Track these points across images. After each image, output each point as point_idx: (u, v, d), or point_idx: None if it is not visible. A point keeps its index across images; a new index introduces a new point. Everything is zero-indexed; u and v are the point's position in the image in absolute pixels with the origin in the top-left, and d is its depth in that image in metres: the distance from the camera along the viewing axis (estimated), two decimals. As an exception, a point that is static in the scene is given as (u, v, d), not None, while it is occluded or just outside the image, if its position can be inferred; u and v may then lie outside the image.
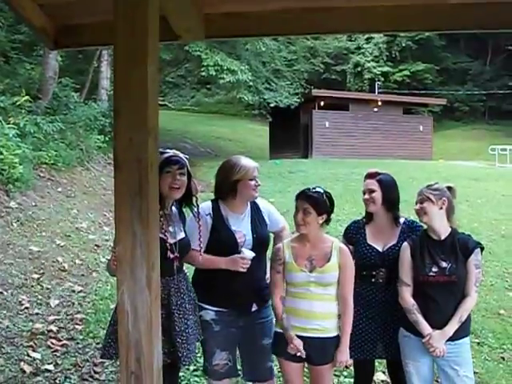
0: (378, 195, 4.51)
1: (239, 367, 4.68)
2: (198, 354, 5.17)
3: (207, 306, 4.42)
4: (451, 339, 4.13)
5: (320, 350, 4.16)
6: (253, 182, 4.38)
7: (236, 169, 4.38)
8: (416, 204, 4.28)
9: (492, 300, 8.61)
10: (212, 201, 4.53)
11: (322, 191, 4.10)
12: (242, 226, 4.42)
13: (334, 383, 4.81)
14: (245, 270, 4.23)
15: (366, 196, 4.53)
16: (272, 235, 4.72)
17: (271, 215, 4.65)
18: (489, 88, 52.69)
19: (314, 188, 4.12)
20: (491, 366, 6.38)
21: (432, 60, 55.11)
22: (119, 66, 3.28)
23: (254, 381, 4.59)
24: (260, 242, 4.43)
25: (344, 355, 4.17)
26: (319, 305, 4.14)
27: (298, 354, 4.13)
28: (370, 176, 4.58)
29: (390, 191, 4.55)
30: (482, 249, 4.27)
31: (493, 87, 52.53)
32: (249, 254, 4.26)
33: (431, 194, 4.21)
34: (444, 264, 4.14)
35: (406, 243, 4.35)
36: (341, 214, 13.62)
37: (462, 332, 4.19)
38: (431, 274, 4.15)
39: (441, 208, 4.20)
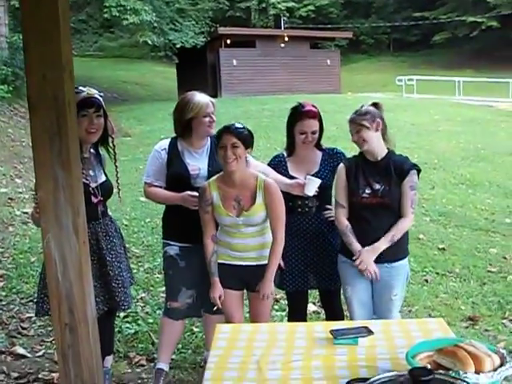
0: (317, 134, 4.46)
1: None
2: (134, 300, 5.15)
3: (171, 242, 4.45)
4: (387, 261, 4.13)
5: (257, 277, 4.14)
6: (207, 119, 4.33)
7: (189, 106, 4.32)
8: (352, 135, 4.15)
9: (411, 226, 8.77)
10: (172, 138, 4.51)
11: (242, 125, 4.01)
12: (198, 161, 4.39)
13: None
14: (196, 208, 4.18)
15: (310, 138, 4.42)
16: None
17: None
18: (393, 20, 53.38)
19: (234, 124, 4.00)
20: (416, 289, 6.56)
21: (336, -6, 55.35)
22: (26, -4, 3.01)
23: (211, 312, 4.48)
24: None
25: (267, 288, 4.13)
26: (253, 240, 4.13)
27: (215, 308, 4.22)
28: (311, 115, 4.42)
29: (322, 125, 4.52)
30: (419, 171, 4.19)
31: (397, 19, 53.23)
32: (314, 179, 4.24)
33: (364, 119, 4.08)
34: (377, 186, 4.08)
35: (342, 165, 4.29)
36: (256, 150, 13.43)
37: (398, 254, 4.18)
38: (364, 195, 4.10)
39: (376, 130, 4.10)
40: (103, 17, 27.03)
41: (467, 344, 2.54)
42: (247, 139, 3.97)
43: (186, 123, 4.35)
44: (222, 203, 4.05)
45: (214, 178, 4.14)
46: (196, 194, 4.17)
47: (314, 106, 4.48)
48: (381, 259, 4.12)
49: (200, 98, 4.37)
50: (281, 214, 4.09)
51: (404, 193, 4.08)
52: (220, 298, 4.16)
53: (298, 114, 4.45)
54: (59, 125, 2.99)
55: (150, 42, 29.19)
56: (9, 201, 10.31)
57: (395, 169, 4.09)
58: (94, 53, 50.26)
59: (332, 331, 3.09)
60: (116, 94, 34.77)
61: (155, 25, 28.20)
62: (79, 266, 3.14)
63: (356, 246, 4.13)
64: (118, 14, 25.24)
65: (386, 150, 4.18)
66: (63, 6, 2.98)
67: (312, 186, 4.22)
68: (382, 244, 4.08)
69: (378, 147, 4.14)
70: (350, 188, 4.18)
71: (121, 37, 45.26)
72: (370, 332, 3.09)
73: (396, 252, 4.16)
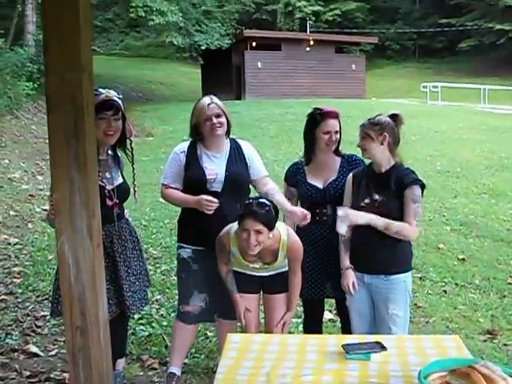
0: (338, 135, 4.42)
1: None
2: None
3: (185, 245, 4.46)
4: (383, 272, 4.05)
5: (274, 281, 4.19)
6: (208, 123, 4.31)
7: (194, 112, 4.40)
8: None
9: (431, 235, 8.72)
10: (192, 140, 4.51)
11: (267, 203, 3.82)
12: (216, 165, 4.37)
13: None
14: (210, 213, 4.18)
15: (333, 138, 4.37)
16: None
17: (253, 162, 4.54)
18: (419, 26, 53.05)
19: (257, 200, 3.83)
20: (434, 299, 6.47)
21: (362, -2, 55.08)
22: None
23: (224, 317, 4.53)
24: (233, 181, 4.32)
25: (289, 319, 4.29)
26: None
27: (238, 323, 4.24)
28: (333, 116, 4.40)
29: (341, 129, 4.48)
30: (423, 186, 4.06)
31: (423, 26, 52.89)
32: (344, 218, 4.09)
33: (371, 130, 4.01)
34: (376, 196, 4.02)
35: (351, 174, 4.27)
36: (277, 154, 13.67)
37: (396, 267, 4.09)
38: (362, 204, 4.05)
39: (381, 144, 4.02)
40: (130, 16, 27.04)
41: (482, 365, 2.48)
42: (272, 222, 3.82)
43: (194, 129, 4.42)
44: (242, 257, 4.05)
45: (234, 232, 4.00)
46: (211, 198, 4.15)
47: (337, 112, 4.48)
48: (378, 270, 4.07)
49: (202, 101, 4.41)
50: (300, 259, 4.11)
51: (406, 205, 3.99)
52: (244, 313, 4.19)
53: (319, 116, 4.40)
54: (77, 127, 2.99)
55: (175, 43, 29.21)
56: (29, 197, 10.37)
57: (395, 181, 4.02)
58: (119, 51, 50.45)
59: (344, 345, 3.03)
60: (141, 93, 34.97)
61: (181, 25, 28.20)
62: (92, 269, 3.13)
63: (342, 260, 4.22)
64: (144, 15, 25.28)
65: (393, 163, 4.10)
66: (84, 7, 2.97)
67: (343, 224, 4.05)
68: (376, 219, 3.99)
69: (381, 159, 4.07)
70: (352, 196, 4.16)
71: (147, 36, 45.32)
72: (383, 348, 3.02)
73: (394, 264, 4.08)
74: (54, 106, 3.00)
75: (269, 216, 3.77)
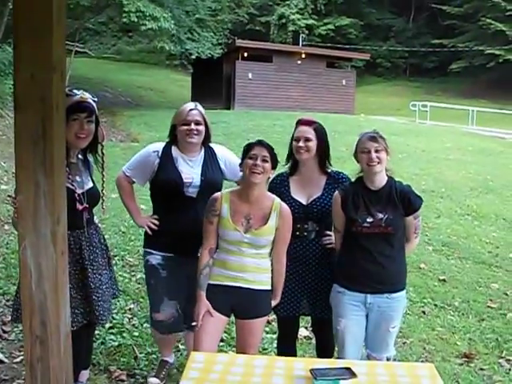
0: (313, 144, 4.29)
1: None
2: (115, 311, 5.02)
3: (154, 251, 4.41)
4: (387, 291, 4.01)
5: (249, 303, 4.03)
6: (185, 127, 4.32)
7: (175, 114, 4.43)
8: (367, 151, 3.96)
9: (413, 254, 8.59)
10: (167, 142, 4.50)
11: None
12: (191, 169, 4.37)
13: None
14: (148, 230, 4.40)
15: (301, 144, 4.27)
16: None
17: (229, 164, 4.57)
18: (411, 45, 53.30)
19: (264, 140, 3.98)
20: (412, 320, 6.40)
21: (356, 15, 55.25)
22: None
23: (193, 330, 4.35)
24: (209, 186, 4.30)
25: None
26: (250, 260, 4.00)
27: (193, 323, 4.05)
28: (306, 123, 4.35)
29: (324, 141, 4.37)
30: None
31: (415, 45, 53.15)
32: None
33: (385, 142, 4.00)
34: (380, 215, 3.94)
35: (337, 193, 4.14)
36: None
37: (399, 285, 4.09)
38: (365, 225, 3.95)
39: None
40: (123, 21, 26.90)
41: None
42: (275, 158, 3.95)
43: (171, 130, 4.45)
44: (230, 217, 3.94)
45: (228, 190, 4.07)
46: (154, 225, 4.34)
47: (314, 121, 4.42)
48: (381, 290, 4.01)
49: (186, 105, 4.46)
50: (287, 237, 4.06)
51: (408, 221, 4.04)
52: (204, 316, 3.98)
53: (296, 124, 4.41)
54: (44, 128, 2.87)
55: (167, 48, 29.10)
56: (8, 198, 10.12)
57: (400, 199, 3.99)
58: (111, 55, 50.33)
59: (312, 370, 2.90)
60: (130, 98, 34.85)
61: (173, 32, 28.10)
62: (55, 277, 3.01)
63: None
64: (136, 20, 25.15)
65: (386, 178, 4.07)
66: (59, 3, 2.84)
67: None
68: None
69: (383, 174, 4.05)
70: (348, 217, 4.04)
71: (139, 42, 45.27)
72: (352, 374, 2.89)
73: (397, 282, 4.08)
74: (22, 104, 2.88)
75: (273, 151, 3.95)
